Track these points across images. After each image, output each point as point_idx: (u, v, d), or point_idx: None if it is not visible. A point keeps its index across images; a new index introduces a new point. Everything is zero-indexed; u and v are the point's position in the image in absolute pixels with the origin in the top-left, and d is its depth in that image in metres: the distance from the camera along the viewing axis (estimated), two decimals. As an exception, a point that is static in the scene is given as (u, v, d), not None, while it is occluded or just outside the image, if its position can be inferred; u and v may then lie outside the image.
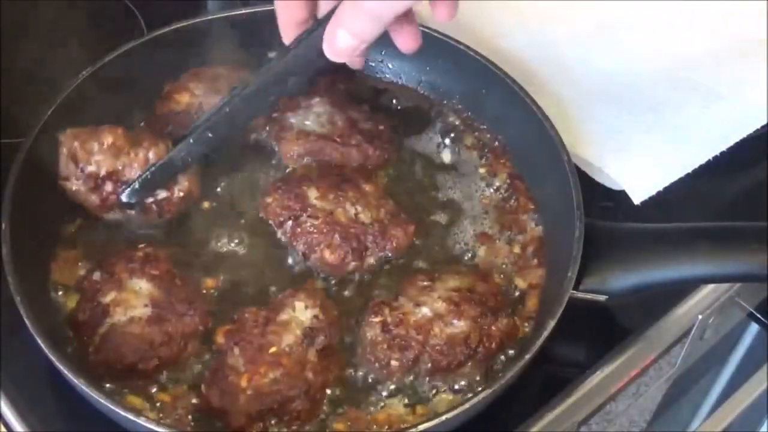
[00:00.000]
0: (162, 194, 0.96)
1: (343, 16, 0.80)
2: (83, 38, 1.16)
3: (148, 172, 0.94)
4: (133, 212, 0.96)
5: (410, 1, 0.78)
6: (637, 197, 1.04)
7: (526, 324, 0.93)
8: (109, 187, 0.94)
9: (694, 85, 1.16)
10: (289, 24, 0.89)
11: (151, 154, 0.94)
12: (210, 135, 0.93)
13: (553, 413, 0.91)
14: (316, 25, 0.86)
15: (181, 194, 0.97)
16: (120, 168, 0.94)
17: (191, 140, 0.94)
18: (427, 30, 1.02)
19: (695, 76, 1.17)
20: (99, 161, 0.93)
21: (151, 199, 0.96)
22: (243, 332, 0.86)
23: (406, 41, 0.88)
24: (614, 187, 1.06)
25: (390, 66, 1.13)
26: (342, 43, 0.81)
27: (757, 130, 1.11)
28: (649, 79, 1.17)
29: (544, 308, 0.92)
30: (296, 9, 0.87)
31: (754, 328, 1.37)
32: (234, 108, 0.92)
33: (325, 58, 0.84)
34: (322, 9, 0.87)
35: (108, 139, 0.93)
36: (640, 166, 1.07)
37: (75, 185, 0.94)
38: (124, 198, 0.95)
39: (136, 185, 0.94)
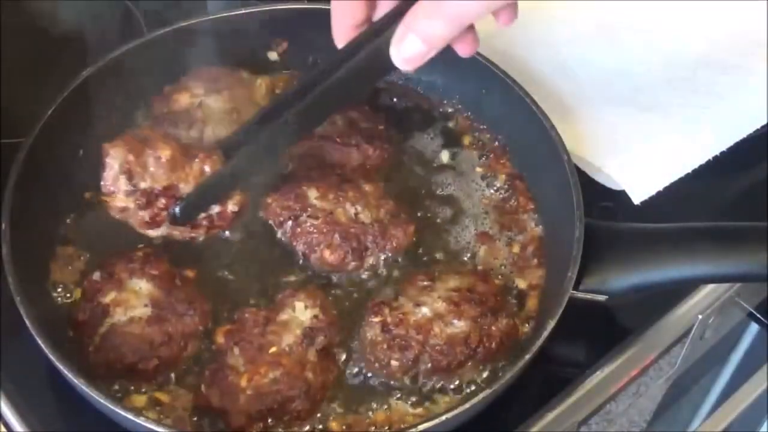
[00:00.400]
0: (215, 209, 0.92)
1: (416, 19, 0.75)
2: (83, 38, 1.16)
3: (204, 186, 0.89)
4: (180, 229, 0.91)
5: (498, 2, 0.74)
6: (637, 197, 1.04)
7: (526, 324, 0.93)
8: (161, 203, 0.89)
9: (694, 85, 1.16)
10: (344, 26, 0.84)
11: (206, 167, 0.89)
12: (268, 145, 0.88)
13: (553, 413, 0.91)
14: (375, 28, 0.81)
15: (236, 209, 0.92)
16: (175, 182, 0.88)
17: (248, 151, 0.88)
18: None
19: (695, 77, 1.17)
20: (155, 176, 0.87)
21: (203, 215, 0.91)
22: (243, 332, 0.86)
23: (466, 46, 0.83)
24: (614, 187, 1.06)
25: (390, 66, 1.13)
26: (412, 50, 0.76)
27: (757, 130, 1.12)
28: (649, 79, 1.17)
29: (544, 308, 0.92)
30: (355, 10, 0.82)
31: (754, 328, 1.36)
32: (292, 119, 0.86)
33: (389, 66, 0.79)
34: (380, 11, 0.82)
35: (166, 153, 0.87)
36: (640, 166, 1.07)
37: (122, 202, 0.88)
38: (178, 214, 0.90)
39: (192, 200, 0.89)
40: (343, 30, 0.84)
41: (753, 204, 1.10)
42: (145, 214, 0.89)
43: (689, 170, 1.07)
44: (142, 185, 0.88)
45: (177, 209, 0.90)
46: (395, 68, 0.79)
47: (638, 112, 1.13)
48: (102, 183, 0.89)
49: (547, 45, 1.21)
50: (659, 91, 1.15)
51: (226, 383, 0.83)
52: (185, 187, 0.89)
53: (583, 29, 1.24)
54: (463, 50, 0.84)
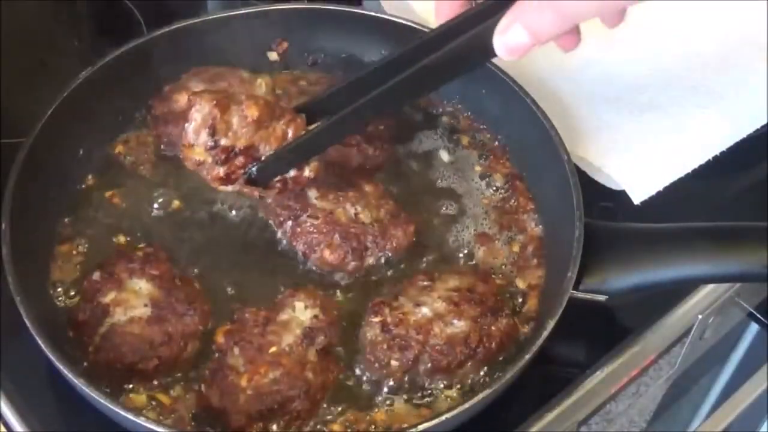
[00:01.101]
0: (291, 173, 0.90)
1: (526, 11, 0.74)
2: (83, 38, 1.16)
3: (285, 151, 0.87)
4: (253, 188, 0.90)
5: (621, 1, 0.73)
6: (637, 197, 1.04)
7: (526, 324, 0.93)
8: (239, 161, 0.87)
9: (694, 85, 1.16)
10: (447, 3, 0.83)
11: (290, 130, 0.88)
12: (356, 118, 0.87)
13: (553, 413, 0.91)
14: (477, 12, 0.80)
15: (312, 175, 0.91)
16: (257, 143, 0.87)
17: (335, 121, 0.87)
18: (426, 30, 1.02)
19: (695, 77, 1.17)
20: (238, 134, 0.86)
21: (278, 177, 0.90)
22: (243, 332, 0.86)
23: (568, 41, 0.83)
24: (614, 187, 1.06)
25: (390, 66, 1.13)
26: (516, 40, 0.75)
27: (757, 130, 1.12)
28: (649, 79, 1.17)
29: (544, 308, 0.92)
30: None
31: (754, 328, 1.36)
32: (385, 93, 0.84)
33: (488, 54, 0.78)
34: None
35: (253, 113, 0.86)
36: (640, 166, 1.07)
37: (200, 155, 0.87)
38: (254, 175, 0.88)
39: (270, 163, 0.88)
40: (446, 7, 0.84)
41: (753, 204, 1.10)
42: (220, 170, 0.87)
43: (689, 170, 1.07)
44: (224, 142, 0.86)
45: (254, 170, 0.88)
46: (494, 56, 0.79)
47: (638, 112, 1.13)
48: (183, 133, 0.87)
49: (547, 45, 1.21)
50: (659, 91, 1.15)
51: (226, 383, 0.83)
52: (265, 148, 0.88)
53: (583, 29, 1.24)
54: (566, 45, 0.83)
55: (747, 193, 1.13)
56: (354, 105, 0.86)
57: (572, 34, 0.82)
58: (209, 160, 0.87)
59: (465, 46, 0.81)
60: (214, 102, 0.85)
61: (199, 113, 0.85)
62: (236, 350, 0.85)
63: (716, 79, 1.16)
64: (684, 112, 1.13)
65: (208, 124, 0.85)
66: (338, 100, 0.88)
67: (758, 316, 1.21)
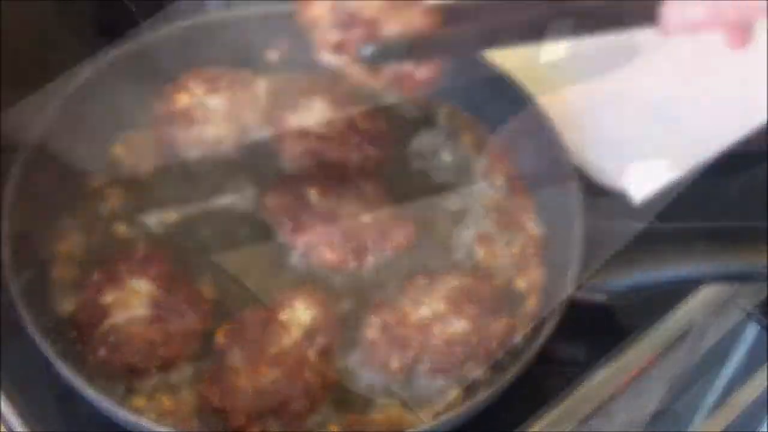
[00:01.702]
0: (404, 67, 0.83)
1: None
2: (83, 38, 1.16)
3: (408, 40, 0.80)
4: (360, 70, 0.82)
5: None
6: (637, 197, 1.04)
7: (527, 324, 0.93)
8: (357, 32, 0.79)
9: (693, 84, 1.16)
10: None
11: (416, 21, 0.80)
12: (490, 36, 0.81)
13: (553, 413, 0.91)
14: None
15: (421, 78, 0.84)
16: (382, 19, 0.80)
17: (471, 31, 0.81)
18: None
19: (695, 76, 1.17)
20: (368, 3, 0.79)
21: (390, 67, 0.83)
22: (243, 332, 0.86)
23: (740, 38, 0.76)
24: (614, 187, 1.06)
25: (390, 66, 1.13)
26: (690, 14, 0.68)
27: (758, 130, 1.12)
28: (649, 78, 1.17)
29: (544, 308, 0.92)
30: None
31: (754, 328, 1.36)
32: (531, 21, 0.79)
33: (647, 18, 0.71)
34: None
35: None
36: (640, 166, 1.07)
37: (318, 10, 0.79)
38: (364, 54, 0.81)
39: (389, 48, 0.81)
40: None
41: (753, 204, 1.10)
42: (334, 35, 0.80)
43: (689, 170, 1.07)
44: (348, 6, 0.79)
45: (369, 49, 0.81)
46: (649, 23, 0.73)
47: (638, 112, 1.13)
48: None
49: (548, 44, 1.21)
50: (659, 91, 1.15)
51: (226, 383, 0.83)
52: (387, 30, 0.80)
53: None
54: (736, 42, 0.76)
55: (747, 193, 1.13)
56: (500, 20, 0.79)
57: (746, 32, 0.75)
58: (325, 17, 0.79)
59: (629, 2, 0.74)
60: None
61: None
62: (236, 350, 0.85)
63: (716, 78, 1.16)
64: (684, 112, 1.13)
65: None
66: (481, 15, 0.82)
67: (758, 316, 1.21)
